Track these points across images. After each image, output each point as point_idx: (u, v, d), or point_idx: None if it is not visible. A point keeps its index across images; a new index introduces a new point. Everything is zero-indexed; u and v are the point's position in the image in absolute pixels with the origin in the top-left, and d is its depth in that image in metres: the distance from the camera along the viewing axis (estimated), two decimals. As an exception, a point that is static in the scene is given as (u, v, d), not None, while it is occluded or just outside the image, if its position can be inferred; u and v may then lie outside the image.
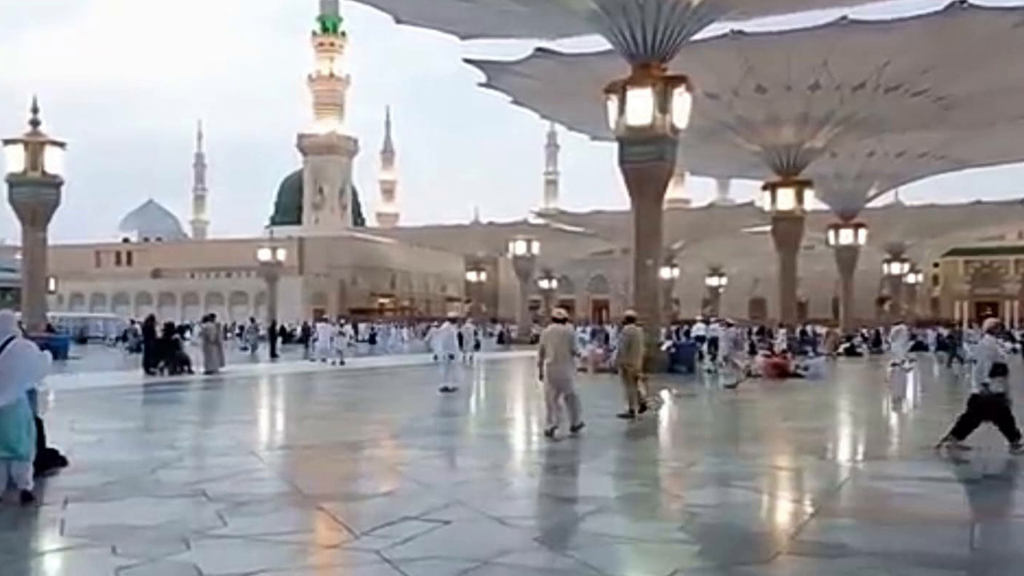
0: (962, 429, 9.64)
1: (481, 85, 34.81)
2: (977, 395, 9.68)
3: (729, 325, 22.23)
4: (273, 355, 33.03)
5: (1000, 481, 8.65)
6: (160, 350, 22.35)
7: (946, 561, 5.41)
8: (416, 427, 12.07)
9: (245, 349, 36.96)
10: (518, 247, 58.15)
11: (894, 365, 26.37)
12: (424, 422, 12.69)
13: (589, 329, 44.77)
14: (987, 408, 9.54)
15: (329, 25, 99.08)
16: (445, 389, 17.03)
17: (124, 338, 41.29)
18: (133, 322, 42.88)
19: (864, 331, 44.96)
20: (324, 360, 28.18)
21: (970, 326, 48.35)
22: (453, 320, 24.81)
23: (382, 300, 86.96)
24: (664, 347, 24.81)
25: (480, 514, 6.51)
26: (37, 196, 30.34)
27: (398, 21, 31.91)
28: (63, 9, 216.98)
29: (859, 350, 37.02)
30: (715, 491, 7.78)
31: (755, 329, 42.60)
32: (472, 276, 69.70)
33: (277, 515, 6.60)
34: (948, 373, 25.51)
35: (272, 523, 6.27)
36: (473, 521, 6.32)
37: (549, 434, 10.63)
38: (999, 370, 9.60)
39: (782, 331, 34.12)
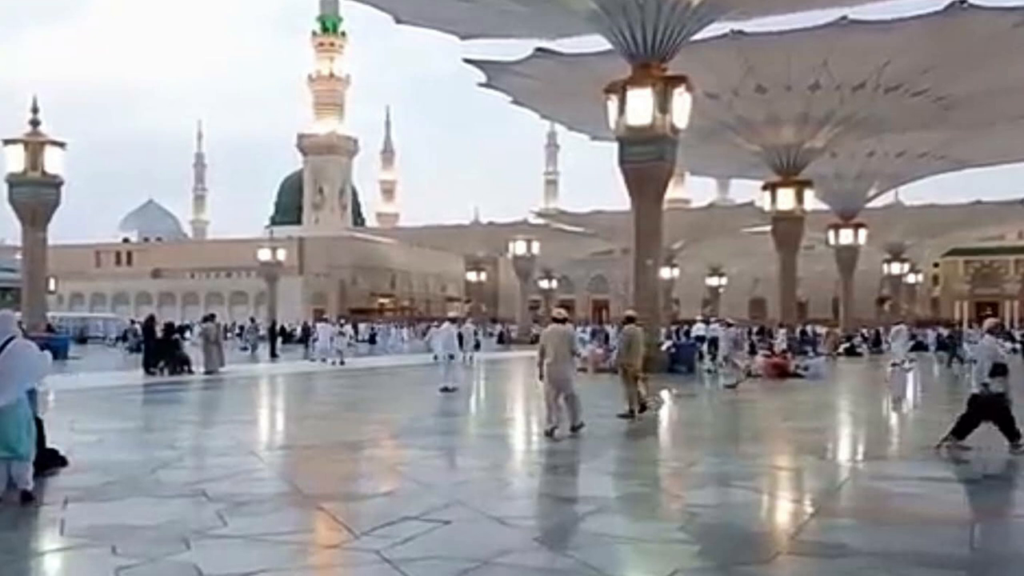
0: (962, 429, 9.64)
1: (481, 85, 34.81)
2: (977, 395, 9.68)
3: (729, 325, 22.22)
4: (273, 355, 33.02)
5: (1000, 481, 8.65)
6: (160, 350, 22.36)
7: (946, 561, 5.40)
8: (416, 427, 12.06)
9: (245, 349, 36.95)
10: (518, 247, 58.14)
11: (894, 365, 26.37)
12: (424, 422, 12.69)
13: (589, 329, 44.74)
14: (987, 408, 9.54)
15: (329, 25, 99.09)
16: (445, 389, 17.03)
17: (124, 338, 41.29)
18: (133, 322, 42.87)
19: (864, 331, 44.94)
20: (324, 360, 28.17)
21: (970, 326, 48.32)
22: (453, 320, 24.81)
23: (382, 300, 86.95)
24: (664, 347, 24.80)
25: (480, 514, 6.51)
26: (37, 196, 30.35)
27: (398, 21, 31.91)
28: (63, 9, 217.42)
29: (859, 350, 37.00)
30: (715, 491, 7.78)
31: (755, 329, 42.58)
32: (472, 276, 69.69)
33: (277, 515, 6.60)
34: (948, 373, 25.50)
35: (272, 523, 6.27)
36: (473, 521, 6.32)
37: (549, 434, 10.63)
38: (999, 370, 9.60)
39: (782, 331, 34.11)
